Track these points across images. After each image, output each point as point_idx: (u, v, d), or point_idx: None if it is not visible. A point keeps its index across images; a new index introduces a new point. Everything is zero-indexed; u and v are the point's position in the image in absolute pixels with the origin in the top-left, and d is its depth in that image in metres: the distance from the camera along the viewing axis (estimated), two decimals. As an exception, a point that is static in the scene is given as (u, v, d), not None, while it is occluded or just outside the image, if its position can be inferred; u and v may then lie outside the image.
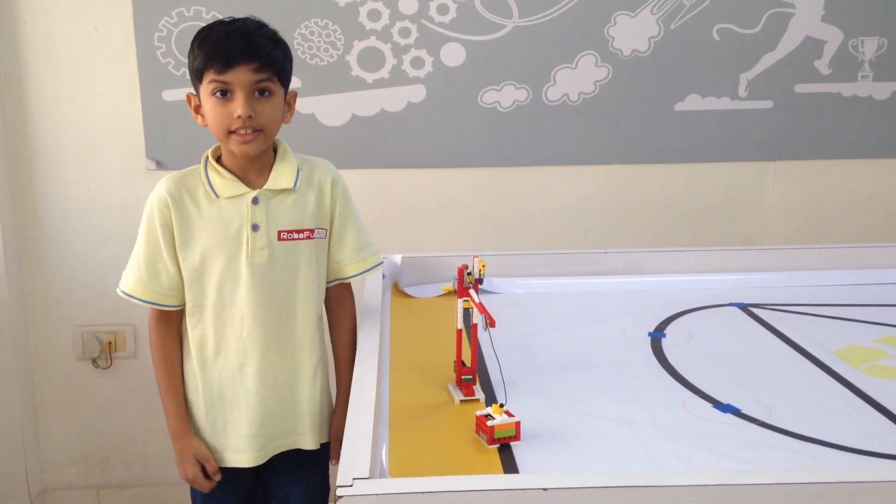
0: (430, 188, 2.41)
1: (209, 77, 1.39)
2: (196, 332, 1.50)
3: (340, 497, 0.89)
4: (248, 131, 1.40)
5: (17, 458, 2.40)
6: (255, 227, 1.45)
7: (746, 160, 2.44)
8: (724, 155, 2.43)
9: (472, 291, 1.33)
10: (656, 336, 1.65)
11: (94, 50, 2.26)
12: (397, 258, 1.99)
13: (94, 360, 2.43)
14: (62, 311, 2.40)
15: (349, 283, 1.61)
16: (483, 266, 1.34)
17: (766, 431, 1.23)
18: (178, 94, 2.27)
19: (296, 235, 1.49)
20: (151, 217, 1.47)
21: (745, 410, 1.30)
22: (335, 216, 1.55)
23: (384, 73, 2.33)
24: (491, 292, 1.95)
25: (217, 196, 1.45)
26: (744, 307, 1.83)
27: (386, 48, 2.32)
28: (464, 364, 1.38)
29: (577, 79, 2.37)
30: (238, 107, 1.38)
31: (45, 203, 2.34)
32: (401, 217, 2.41)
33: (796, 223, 2.48)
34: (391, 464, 1.10)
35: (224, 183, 1.46)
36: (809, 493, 0.94)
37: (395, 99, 2.34)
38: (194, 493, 1.61)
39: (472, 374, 1.37)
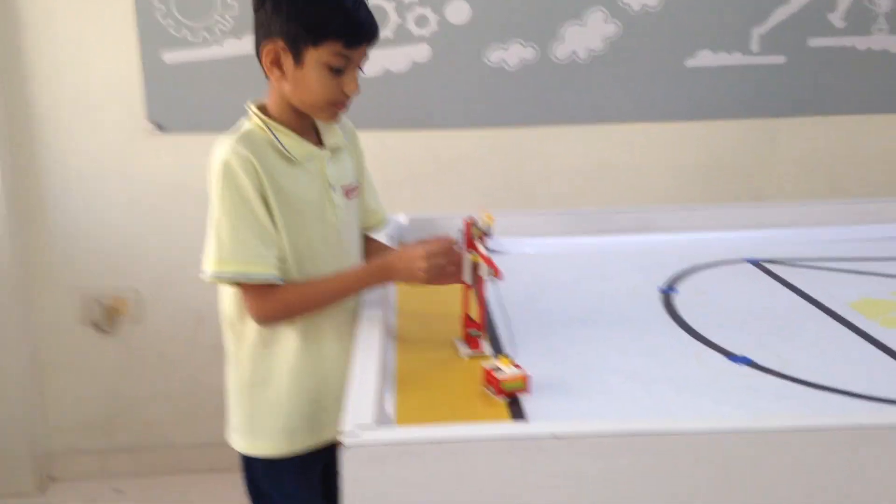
0: (435, 150, 2.38)
1: (333, 48, 1.25)
2: None
3: (347, 448, 0.87)
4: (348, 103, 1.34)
5: (22, 421, 2.40)
6: (332, 187, 1.37)
7: (759, 117, 2.39)
8: (736, 112, 2.38)
9: (478, 244, 1.30)
10: (668, 291, 1.62)
11: (93, 11, 2.22)
12: (403, 218, 1.95)
13: (96, 325, 2.42)
14: (64, 275, 2.39)
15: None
16: (490, 218, 1.31)
17: (781, 381, 1.20)
18: (179, 56, 2.23)
19: (352, 191, 1.44)
20: (240, 182, 1.25)
21: (759, 361, 1.27)
22: (363, 166, 1.52)
23: (388, 32, 2.28)
24: (500, 252, 1.92)
25: (294, 158, 1.31)
26: (757, 263, 1.79)
27: (389, 6, 2.27)
28: (471, 319, 1.35)
29: (586, 36, 2.32)
30: (352, 82, 1.29)
31: (45, 167, 2.31)
32: (407, 179, 2.38)
33: (809, 180, 2.44)
34: (398, 415, 1.08)
35: (297, 144, 1.32)
36: (828, 439, 0.91)
37: (400, 59, 2.30)
38: (278, 471, 1.38)
39: (480, 329, 1.34)
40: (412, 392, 1.17)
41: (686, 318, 1.47)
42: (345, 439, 0.88)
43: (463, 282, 1.34)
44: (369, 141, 1.54)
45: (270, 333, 1.32)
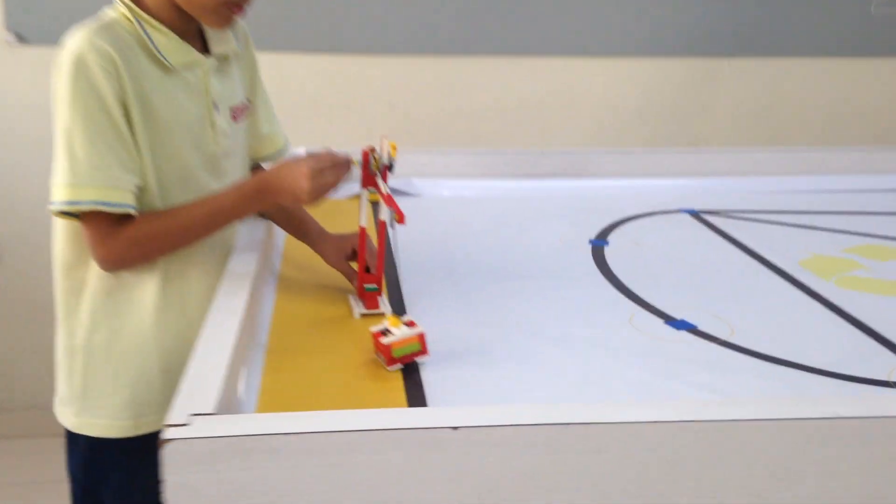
0: (342, 77, 2.11)
1: None
2: None
3: (167, 443, 0.64)
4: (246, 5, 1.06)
5: None
6: (216, 106, 1.10)
7: (699, 55, 2.20)
8: (675, 49, 2.19)
9: (379, 180, 1.07)
10: (598, 244, 1.42)
11: None
12: (301, 151, 1.70)
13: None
14: None
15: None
16: (394, 148, 1.07)
17: (728, 352, 1.02)
18: (44, -45, 1.90)
19: (240, 112, 1.16)
20: (97, 83, 0.97)
21: (702, 327, 1.09)
22: (258, 81, 1.23)
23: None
24: (410, 194, 1.69)
25: (169, 64, 1.04)
26: (696, 214, 1.61)
27: None
28: (368, 271, 1.13)
29: (517, -44, 2.07)
30: None
31: None
32: (310, 110, 2.11)
33: (751, 126, 2.27)
34: (262, 397, 0.86)
35: (174, 47, 1.04)
36: (798, 430, 0.73)
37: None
38: (115, 456, 1.11)
39: (378, 283, 1.12)
40: (286, 365, 0.95)
41: (619, 274, 1.28)
42: (166, 432, 0.65)
43: (360, 226, 1.12)
44: (264, 64, 1.27)
45: (117, 281, 1.06)
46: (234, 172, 1.16)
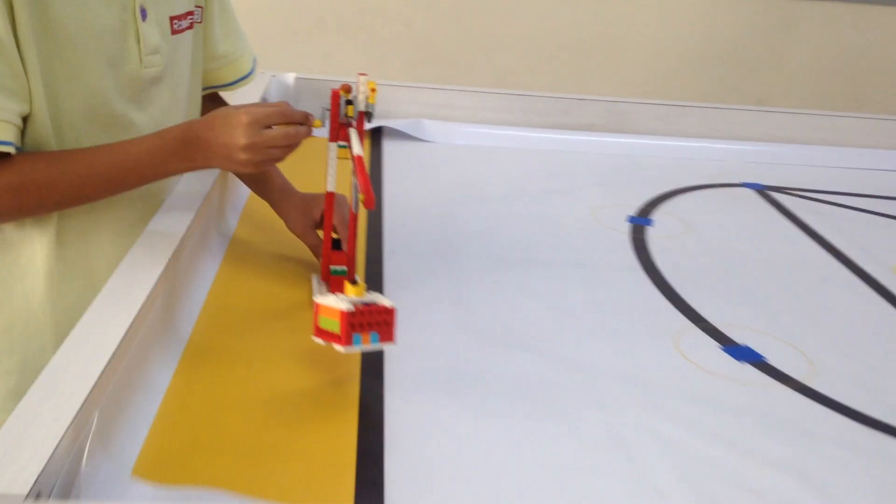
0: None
1: None
2: None
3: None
4: None
5: None
6: (143, 13, 0.82)
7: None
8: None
9: (352, 132, 0.80)
10: (639, 222, 1.14)
11: None
12: (289, 77, 1.42)
13: None
14: None
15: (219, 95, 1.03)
16: (373, 90, 0.79)
17: (811, 405, 0.75)
18: None
19: (183, 23, 0.88)
20: None
21: (770, 358, 0.81)
22: None
23: None
24: (418, 139, 1.41)
25: None
26: (761, 189, 1.32)
27: None
28: (337, 247, 0.87)
29: None
30: None
31: None
32: (311, 28, 1.81)
33: (833, 85, 1.94)
34: (150, 441, 0.60)
35: None
36: None
37: None
38: None
39: (348, 264, 0.85)
40: (203, 375, 0.70)
41: (663, 268, 1.00)
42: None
43: (327, 192, 0.84)
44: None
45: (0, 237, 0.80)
46: (170, 103, 0.88)
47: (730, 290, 0.96)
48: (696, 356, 0.81)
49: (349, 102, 0.80)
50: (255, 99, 1.28)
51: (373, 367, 0.74)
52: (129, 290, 0.68)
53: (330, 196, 0.84)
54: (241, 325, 0.79)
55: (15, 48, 0.72)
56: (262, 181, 0.96)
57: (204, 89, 0.98)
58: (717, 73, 1.91)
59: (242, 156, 0.74)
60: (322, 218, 0.90)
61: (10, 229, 0.80)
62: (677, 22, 1.89)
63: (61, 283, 0.81)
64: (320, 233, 0.90)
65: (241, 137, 0.73)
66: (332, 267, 0.86)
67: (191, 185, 0.92)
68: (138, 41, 0.81)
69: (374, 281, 0.90)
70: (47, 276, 0.81)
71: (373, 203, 0.68)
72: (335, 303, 0.67)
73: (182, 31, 0.88)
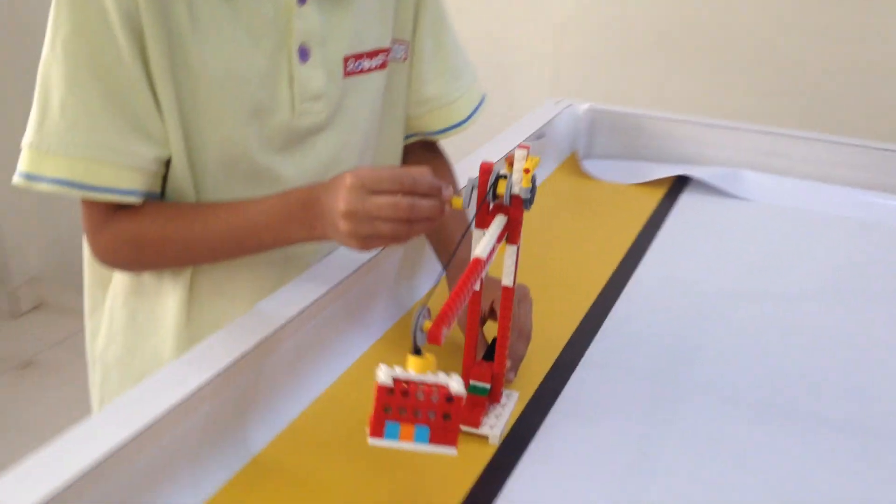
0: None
1: None
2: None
3: None
4: None
5: None
6: (304, 54, 0.71)
7: None
8: None
9: (495, 222, 0.59)
10: None
11: None
12: (580, 108, 1.21)
13: None
14: None
15: (436, 142, 0.89)
16: (527, 171, 0.58)
17: None
18: None
19: (367, 63, 0.76)
20: (97, 2, 0.62)
21: None
22: (423, 7, 0.80)
23: None
24: (729, 195, 1.14)
25: None
26: None
27: None
28: (487, 352, 0.68)
29: None
30: None
31: None
32: (579, 41, 1.55)
33: None
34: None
35: None
36: None
37: None
38: None
39: (495, 384, 0.65)
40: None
41: None
42: None
43: (503, 286, 0.65)
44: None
45: (137, 281, 0.74)
46: (336, 154, 0.75)
47: None
48: None
49: (501, 177, 0.60)
50: (519, 133, 1.11)
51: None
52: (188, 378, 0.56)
53: (508, 292, 0.64)
54: (328, 437, 0.64)
55: (149, 89, 0.65)
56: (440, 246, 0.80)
57: (407, 137, 0.85)
58: None
59: (343, 225, 0.59)
60: (490, 310, 0.71)
61: (148, 277, 0.75)
62: None
63: (189, 343, 0.74)
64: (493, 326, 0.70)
65: (341, 202, 0.59)
66: (473, 382, 0.66)
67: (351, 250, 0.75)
68: (291, 86, 0.70)
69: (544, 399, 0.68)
70: (176, 334, 0.74)
71: (439, 339, 0.48)
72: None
73: (363, 72, 0.75)
